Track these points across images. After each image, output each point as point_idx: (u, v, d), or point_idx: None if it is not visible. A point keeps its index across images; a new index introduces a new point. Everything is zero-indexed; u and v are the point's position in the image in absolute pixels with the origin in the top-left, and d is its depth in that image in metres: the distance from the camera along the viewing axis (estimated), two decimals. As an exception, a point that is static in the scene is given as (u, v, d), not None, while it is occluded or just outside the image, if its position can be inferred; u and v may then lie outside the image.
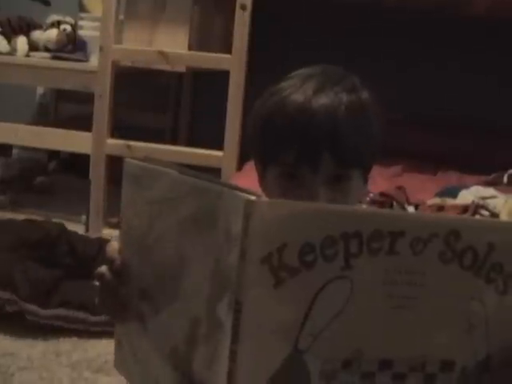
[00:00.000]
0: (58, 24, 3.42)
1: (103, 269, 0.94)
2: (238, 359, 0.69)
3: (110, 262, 0.93)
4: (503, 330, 0.82)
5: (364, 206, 2.13)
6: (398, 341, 0.76)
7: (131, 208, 0.94)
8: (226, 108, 3.02)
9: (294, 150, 1.09)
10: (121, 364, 1.00)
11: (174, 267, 0.82)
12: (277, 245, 0.69)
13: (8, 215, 3.25)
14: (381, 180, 2.58)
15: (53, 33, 3.39)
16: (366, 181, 1.18)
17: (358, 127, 1.10)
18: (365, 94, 1.14)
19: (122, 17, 3.25)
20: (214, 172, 2.88)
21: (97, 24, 3.32)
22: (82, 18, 3.60)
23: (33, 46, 3.41)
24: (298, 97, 1.10)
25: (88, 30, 3.47)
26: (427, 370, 0.78)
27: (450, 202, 2.40)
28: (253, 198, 0.68)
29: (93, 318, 2.12)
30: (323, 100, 1.08)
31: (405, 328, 0.76)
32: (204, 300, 0.75)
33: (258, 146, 1.17)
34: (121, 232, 0.96)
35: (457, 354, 0.80)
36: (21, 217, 3.05)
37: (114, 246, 0.94)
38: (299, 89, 1.11)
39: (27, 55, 3.38)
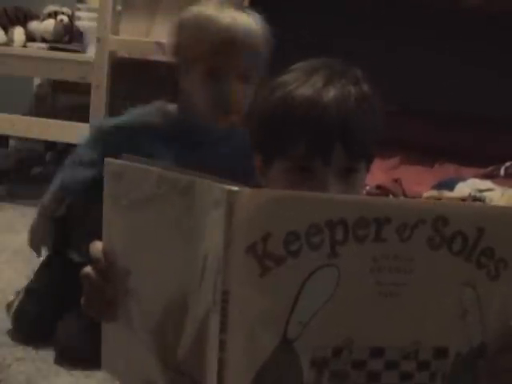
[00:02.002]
0: (55, 14, 3.41)
1: (88, 269, 0.93)
2: (227, 349, 0.70)
3: (94, 262, 0.93)
4: (498, 317, 0.82)
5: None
6: (389, 328, 0.77)
7: (114, 208, 0.93)
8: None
9: (305, 142, 1.09)
10: (108, 364, 0.99)
11: (162, 261, 0.82)
12: (261, 234, 0.69)
13: (5, 206, 3.25)
14: (378, 172, 2.58)
15: (50, 23, 3.38)
16: (367, 172, 1.19)
17: (366, 119, 1.11)
18: (365, 86, 1.15)
19: (119, 7, 3.24)
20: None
21: (94, 15, 3.31)
22: (79, 9, 3.60)
23: (30, 37, 3.40)
24: (307, 90, 1.10)
25: (85, 20, 3.46)
26: (420, 357, 0.79)
27: (446, 194, 2.40)
28: (235, 188, 0.68)
29: None
30: (333, 92, 1.09)
31: (395, 315, 0.76)
32: (193, 290, 0.75)
33: (264, 139, 1.17)
34: (104, 232, 0.95)
35: (450, 341, 0.80)
36: (18, 207, 3.06)
37: (97, 246, 0.94)
38: (306, 82, 1.11)
39: (24, 46, 3.37)
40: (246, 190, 0.69)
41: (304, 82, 1.11)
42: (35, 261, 2.53)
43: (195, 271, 0.75)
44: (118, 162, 0.93)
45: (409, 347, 0.78)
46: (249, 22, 1.58)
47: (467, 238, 0.78)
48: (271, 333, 0.72)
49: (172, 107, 1.68)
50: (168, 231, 0.81)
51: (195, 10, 1.60)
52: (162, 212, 0.82)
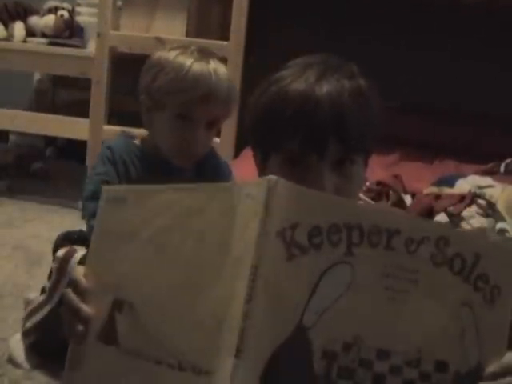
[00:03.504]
0: (55, 10, 3.41)
1: (67, 290, 1.00)
2: (249, 319, 0.75)
3: (74, 284, 0.99)
4: (494, 341, 0.88)
5: (360, 195, 2.14)
6: (395, 333, 0.82)
7: (115, 230, 0.98)
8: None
9: (299, 136, 1.09)
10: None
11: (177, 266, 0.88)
12: (290, 222, 0.78)
13: (5, 201, 3.25)
14: (377, 168, 2.57)
15: (50, 18, 3.38)
16: (366, 166, 1.19)
17: (361, 112, 1.12)
18: (361, 81, 1.15)
19: (119, 3, 3.24)
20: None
21: (94, 10, 3.31)
22: (79, 4, 3.59)
23: (30, 32, 3.40)
24: (300, 85, 1.11)
25: (85, 16, 3.46)
26: (422, 366, 0.83)
27: (447, 190, 2.40)
28: (274, 178, 0.79)
29: None
30: (326, 86, 1.10)
31: (401, 321, 0.82)
32: (225, 275, 0.80)
33: (260, 135, 1.17)
34: (91, 254, 1.01)
35: (450, 356, 0.85)
36: (18, 203, 3.05)
37: (79, 270, 1.01)
38: (300, 77, 1.12)
39: (24, 41, 3.37)
40: (284, 181, 0.79)
41: (298, 77, 1.12)
42: (34, 257, 2.54)
43: (215, 264, 0.81)
44: (119, 187, 1.02)
45: (412, 354, 0.83)
46: (223, 72, 1.65)
47: (466, 261, 0.85)
48: (290, 316, 0.78)
49: (137, 142, 1.74)
50: (187, 235, 0.87)
51: (172, 55, 1.65)
52: (175, 221, 0.89)
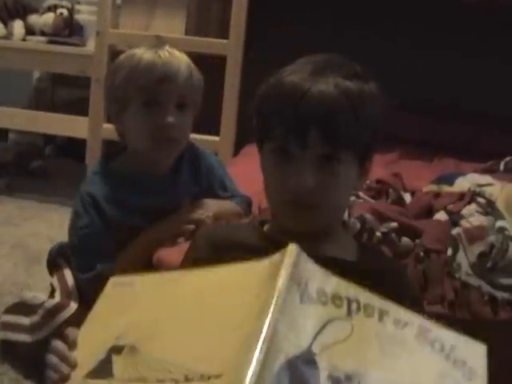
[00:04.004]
0: (54, 8, 3.41)
1: (57, 342, 1.05)
2: (270, 327, 0.85)
3: (65, 338, 1.05)
4: None
5: (360, 193, 2.13)
6: (390, 377, 0.92)
7: (119, 303, 1.07)
8: (222, 93, 3.01)
9: (284, 124, 1.13)
10: None
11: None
12: (305, 280, 0.91)
13: (4, 199, 3.25)
14: (377, 167, 2.56)
15: (49, 17, 3.38)
16: (364, 171, 1.20)
17: (352, 110, 1.13)
18: (369, 84, 1.17)
19: (119, 1, 3.24)
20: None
21: (94, 8, 3.31)
22: (78, 2, 3.60)
23: (29, 30, 3.40)
24: (295, 77, 1.14)
25: (85, 14, 3.47)
26: None
27: (446, 189, 2.39)
28: (295, 248, 0.92)
29: None
30: (320, 81, 1.12)
31: (393, 372, 0.93)
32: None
33: (256, 123, 1.22)
34: (91, 321, 1.08)
35: None
36: (17, 201, 3.05)
37: (72, 331, 1.06)
38: (298, 71, 1.15)
39: (23, 39, 3.37)
40: (303, 253, 0.92)
41: (296, 71, 1.15)
42: (33, 255, 2.54)
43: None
44: (126, 276, 1.11)
45: None
46: (178, 54, 1.72)
47: (444, 346, 0.98)
48: (303, 336, 0.88)
49: (114, 164, 1.76)
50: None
51: (124, 53, 1.72)
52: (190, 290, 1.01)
